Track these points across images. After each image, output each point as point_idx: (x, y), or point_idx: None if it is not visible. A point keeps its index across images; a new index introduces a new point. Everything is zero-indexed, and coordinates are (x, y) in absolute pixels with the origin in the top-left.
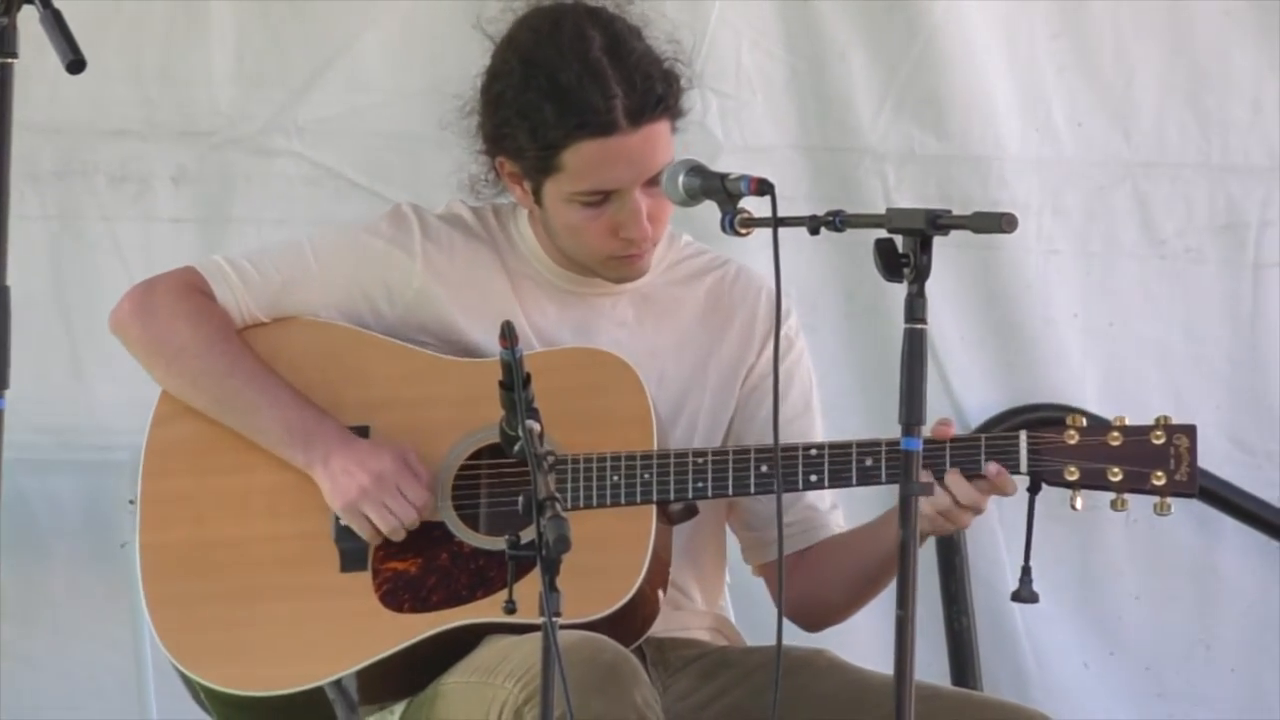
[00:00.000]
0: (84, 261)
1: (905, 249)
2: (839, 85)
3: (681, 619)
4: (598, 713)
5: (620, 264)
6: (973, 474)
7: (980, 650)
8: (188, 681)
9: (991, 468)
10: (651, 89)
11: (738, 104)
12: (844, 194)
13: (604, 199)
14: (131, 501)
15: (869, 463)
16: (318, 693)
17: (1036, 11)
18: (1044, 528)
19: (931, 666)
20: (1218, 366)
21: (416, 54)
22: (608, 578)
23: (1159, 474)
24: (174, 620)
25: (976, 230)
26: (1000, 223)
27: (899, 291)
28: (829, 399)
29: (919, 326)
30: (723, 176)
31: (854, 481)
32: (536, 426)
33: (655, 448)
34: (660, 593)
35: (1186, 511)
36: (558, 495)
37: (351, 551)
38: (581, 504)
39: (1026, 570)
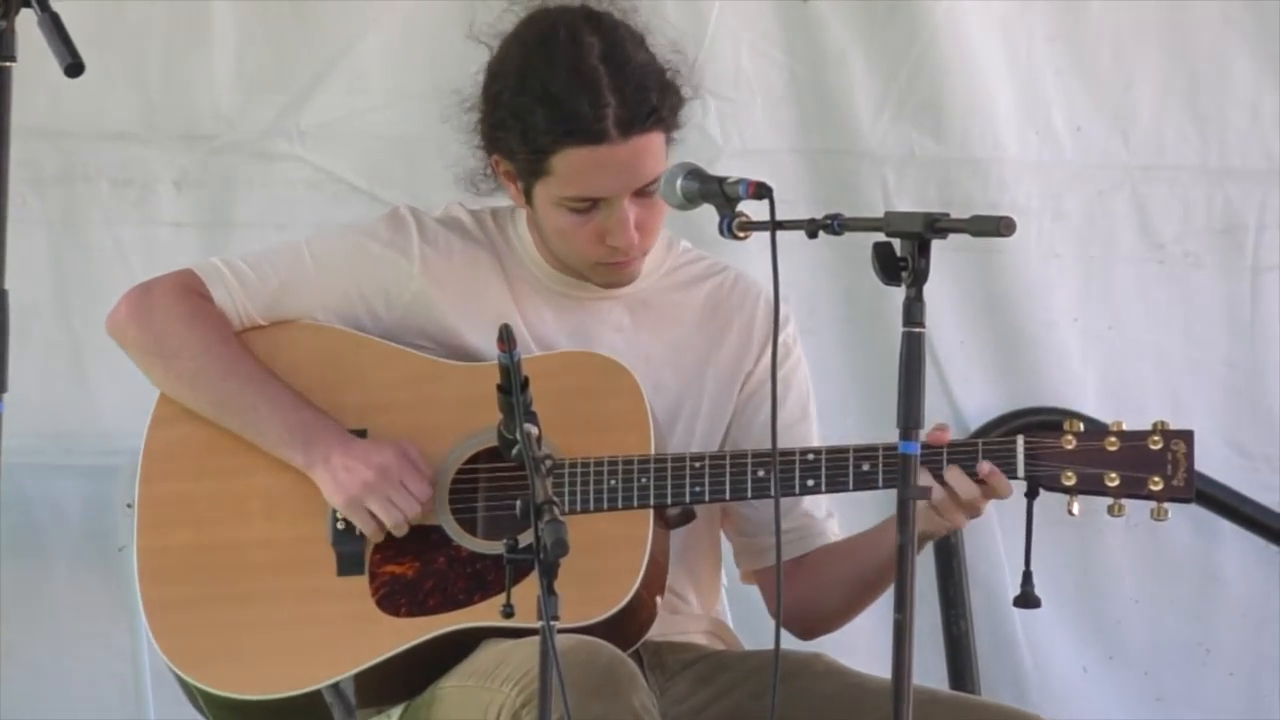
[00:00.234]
0: (86, 266)
1: (903, 252)
2: (839, 88)
3: (679, 623)
4: (595, 716)
5: (607, 270)
6: (970, 476)
7: (979, 654)
8: (185, 685)
9: (984, 467)
10: (645, 100)
11: (737, 107)
12: (844, 197)
13: (592, 205)
14: (129, 505)
15: (866, 467)
16: (315, 696)
17: (1035, 15)
18: (1043, 532)
19: (930, 671)
20: (1216, 370)
21: (417, 57)
22: (605, 582)
23: (1156, 479)
24: (171, 624)
25: (975, 234)
26: (998, 226)
27: (898, 295)
28: (828, 403)
29: (917, 330)
30: (721, 180)
31: (851, 486)
32: (535, 430)
33: (652, 452)
34: (657, 597)
35: (1185, 516)
36: (555, 499)
37: (348, 555)
38: (579, 508)
39: (1027, 575)
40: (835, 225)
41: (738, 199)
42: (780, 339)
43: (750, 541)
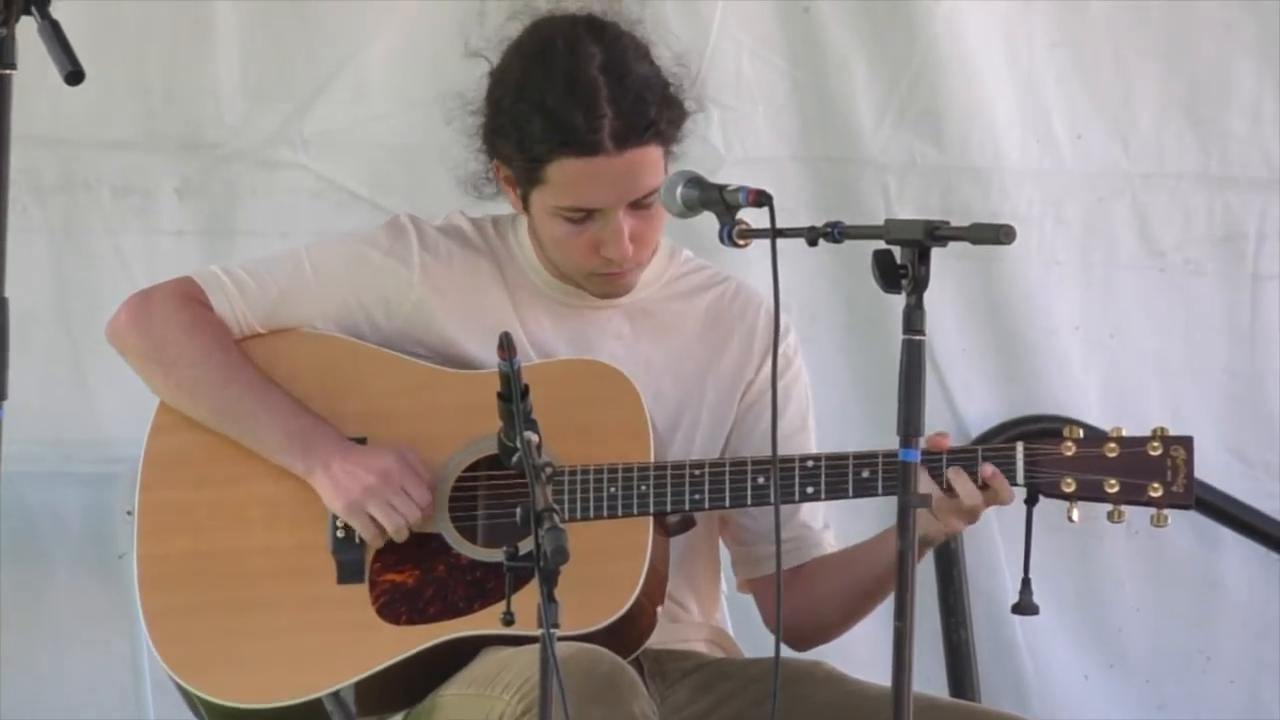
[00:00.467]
0: (87, 274)
1: (903, 260)
2: (840, 96)
3: (679, 631)
4: None
5: (602, 280)
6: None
7: (979, 662)
8: (185, 693)
9: (987, 469)
10: (643, 113)
11: (739, 115)
12: (845, 205)
13: (586, 216)
14: (129, 512)
15: (866, 474)
16: (315, 705)
17: (1036, 22)
18: (1043, 539)
19: (930, 678)
20: (1217, 378)
21: (421, 66)
22: (605, 589)
23: (1156, 486)
24: (171, 631)
25: (974, 241)
26: (998, 234)
27: (899, 302)
28: (828, 410)
29: (917, 338)
30: (721, 188)
31: (850, 493)
32: (535, 438)
33: (652, 459)
34: (657, 604)
35: (1186, 523)
36: (555, 506)
37: (349, 563)
38: (579, 515)
39: (1026, 582)
40: (835, 233)
41: (738, 206)
42: (781, 349)
43: (748, 550)
